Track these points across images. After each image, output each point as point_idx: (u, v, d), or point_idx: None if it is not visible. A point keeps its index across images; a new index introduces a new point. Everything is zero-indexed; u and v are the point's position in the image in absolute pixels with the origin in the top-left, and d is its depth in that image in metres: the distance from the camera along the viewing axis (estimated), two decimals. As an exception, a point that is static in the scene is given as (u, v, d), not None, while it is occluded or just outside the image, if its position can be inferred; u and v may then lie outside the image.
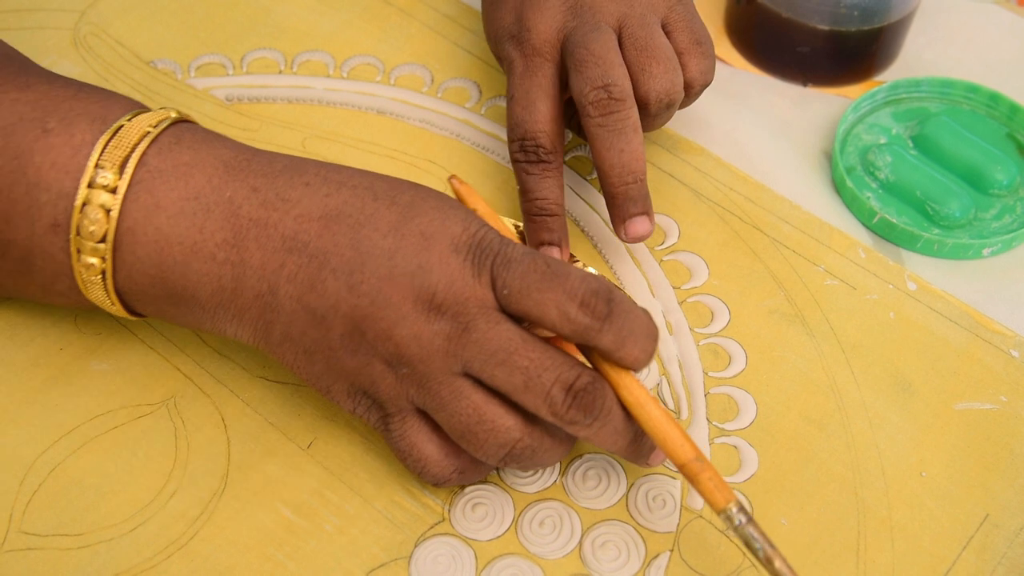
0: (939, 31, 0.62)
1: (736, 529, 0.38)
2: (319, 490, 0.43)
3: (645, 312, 0.40)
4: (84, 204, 0.40)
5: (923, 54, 0.61)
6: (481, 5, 0.54)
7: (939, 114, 0.57)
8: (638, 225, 0.48)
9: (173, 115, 0.42)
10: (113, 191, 0.40)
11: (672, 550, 0.42)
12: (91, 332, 0.47)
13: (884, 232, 0.53)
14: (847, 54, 0.58)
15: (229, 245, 0.40)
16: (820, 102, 0.59)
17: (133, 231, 0.40)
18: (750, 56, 0.60)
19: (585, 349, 0.40)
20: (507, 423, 0.39)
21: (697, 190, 0.54)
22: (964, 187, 0.54)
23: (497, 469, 0.44)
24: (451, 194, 0.44)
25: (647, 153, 0.55)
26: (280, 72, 0.58)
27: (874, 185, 0.54)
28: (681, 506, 0.44)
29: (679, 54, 0.49)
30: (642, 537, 0.43)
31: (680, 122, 0.57)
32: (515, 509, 0.43)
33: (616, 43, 0.48)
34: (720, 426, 0.46)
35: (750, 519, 0.38)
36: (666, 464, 0.45)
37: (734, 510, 0.38)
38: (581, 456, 0.45)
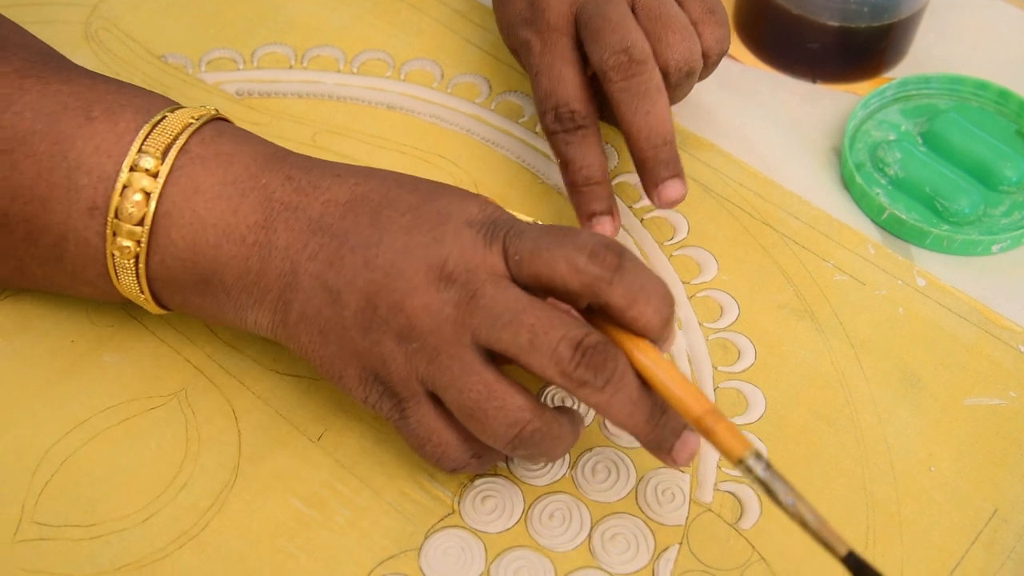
0: (949, 28, 0.62)
1: (758, 480, 0.36)
2: (330, 482, 0.44)
3: (660, 278, 0.39)
4: (125, 187, 0.40)
5: (933, 51, 0.61)
6: None
7: (948, 111, 0.57)
8: (671, 189, 0.47)
9: (213, 111, 0.43)
10: (155, 175, 0.40)
11: (681, 543, 0.43)
12: (103, 325, 0.47)
13: (893, 228, 0.53)
14: (856, 51, 0.58)
15: (260, 227, 0.41)
16: (829, 99, 0.59)
17: (171, 214, 0.41)
18: (760, 53, 0.60)
19: (597, 322, 0.40)
20: (517, 402, 0.38)
21: (707, 185, 0.54)
22: (973, 183, 0.54)
23: (507, 461, 0.44)
24: None
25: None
26: (290, 67, 0.58)
27: (883, 181, 0.54)
28: (690, 499, 0.44)
29: (694, 23, 0.49)
30: (651, 530, 0.43)
31: (690, 118, 0.57)
32: (524, 502, 0.43)
33: (631, 11, 0.48)
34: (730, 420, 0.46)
35: (770, 466, 0.37)
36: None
37: (751, 460, 0.36)
38: (591, 449, 0.45)
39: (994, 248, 0.52)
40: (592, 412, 0.46)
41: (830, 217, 0.53)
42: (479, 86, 0.58)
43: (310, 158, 0.43)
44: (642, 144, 0.47)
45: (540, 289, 0.39)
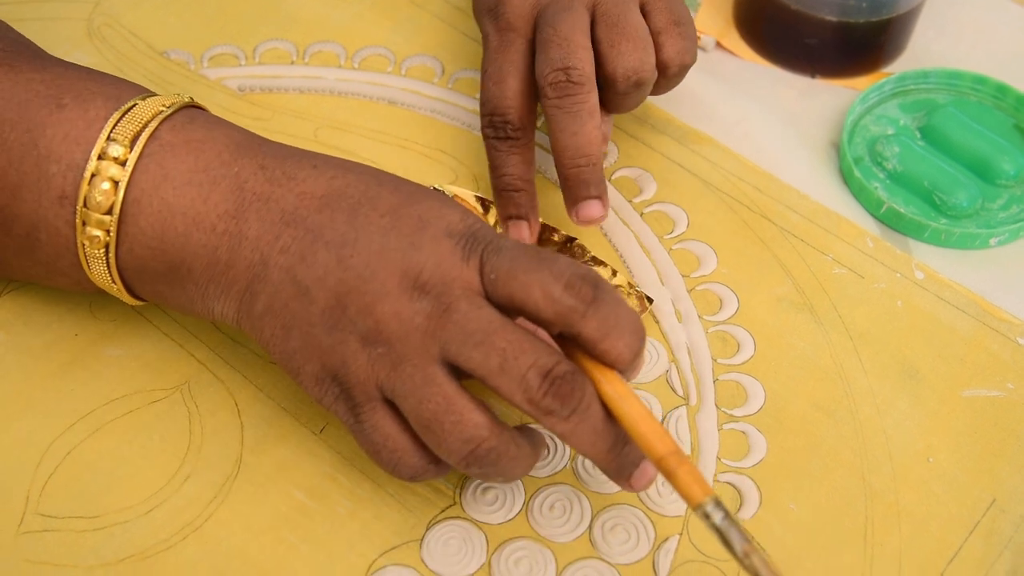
0: (947, 23, 0.62)
1: (715, 527, 0.36)
2: (332, 474, 0.44)
3: (634, 312, 0.39)
4: (93, 175, 0.40)
5: (931, 46, 0.61)
6: None
7: (946, 105, 0.57)
8: (590, 209, 0.48)
9: (186, 99, 0.43)
10: (123, 164, 0.40)
11: (681, 534, 0.43)
12: (106, 319, 0.48)
13: (892, 222, 0.53)
14: (855, 46, 0.59)
15: (230, 216, 0.40)
16: (828, 93, 0.59)
17: (139, 202, 0.40)
18: (759, 48, 0.61)
19: (567, 347, 0.40)
20: (475, 419, 0.38)
21: (706, 180, 0.54)
22: (971, 177, 0.54)
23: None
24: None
25: (658, 144, 0.56)
26: (292, 63, 0.58)
27: (882, 175, 0.55)
28: (690, 491, 0.44)
29: (657, 33, 0.49)
30: (651, 521, 0.43)
31: (689, 112, 0.57)
32: (525, 493, 0.44)
33: (587, 24, 0.48)
34: (729, 412, 0.46)
35: (728, 515, 0.36)
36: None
37: (710, 506, 0.36)
38: (591, 441, 0.45)
39: (992, 241, 0.52)
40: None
41: (829, 211, 0.53)
42: (479, 81, 0.58)
43: (284, 146, 0.43)
44: (565, 162, 0.47)
45: (512, 310, 0.39)
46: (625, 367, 0.39)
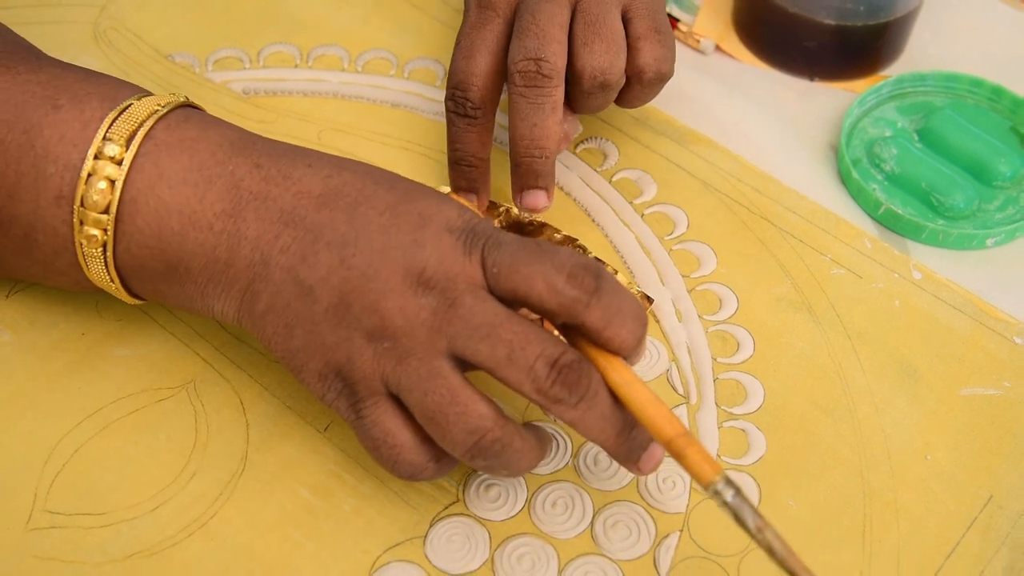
0: (944, 26, 0.63)
1: (726, 504, 0.37)
2: (336, 472, 0.44)
3: (635, 298, 0.40)
4: (90, 175, 0.40)
5: (928, 49, 0.62)
6: None
7: (944, 108, 0.57)
8: (535, 198, 0.50)
9: (182, 99, 0.43)
10: (119, 163, 0.40)
11: (682, 530, 0.43)
12: (112, 318, 0.48)
13: (890, 223, 0.54)
14: (853, 49, 0.59)
15: (227, 215, 0.41)
16: (826, 96, 0.60)
17: (135, 201, 0.41)
18: (757, 51, 0.61)
19: (570, 335, 0.40)
20: (480, 409, 0.38)
21: (706, 181, 0.55)
22: (968, 179, 0.55)
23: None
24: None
25: (658, 146, 0.56)
26: (296, 66, 0.59)
27: (880, 177, 0.55)
28: (690, 487, 0.44)
29: (636, 39, 0.50)
30: (652, 518, 0.44)
31: (689, 114, 0.58)
32: (528, 490, 0.44)
33: (566, 19, 0.49)
34: (729, 410, 0.47)
35: (738, 492, 0.37)
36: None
37: (721, 484, 0.37)
38: (592, 439, 0.46)
39: (988, 242, 0.53)
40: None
41: (827, 212, 0.54)
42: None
43: (279, 144, 0.43)
44: (520, 151, 0.49)
45: (515, 302, 0.39)
46: (629, 353, 0.39)
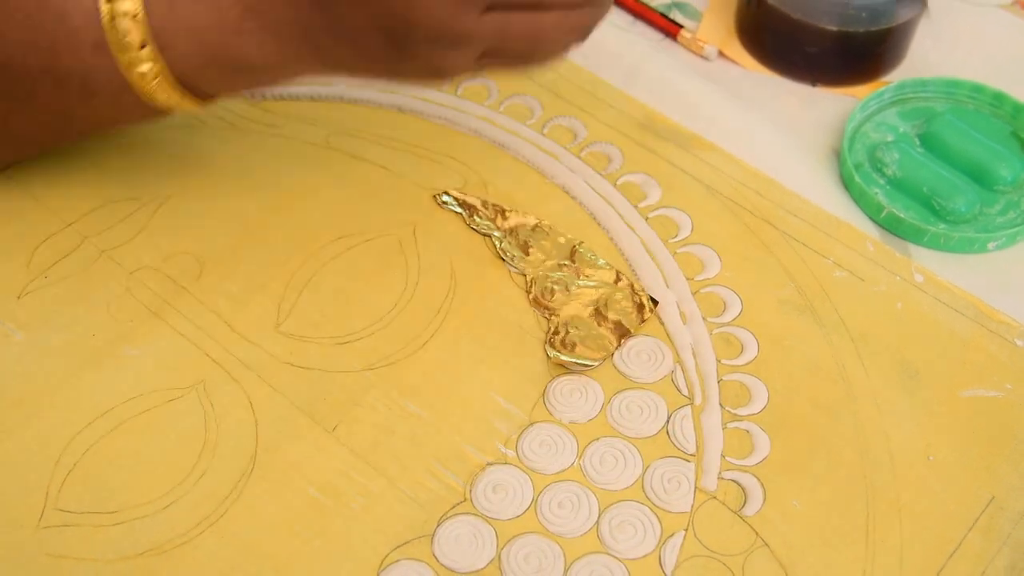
0: (945, 33, 0.63)
1: None
2: (345, 471, 0.45)
3: None
4: (112, 19, 0.42)
5: (929, 55, 0.62)
6: None
7: (945, 113, 0.58)
8: None
9: None
10: None
11: (687, 529, 0.44)
12: (123, 319, 0.49)
13: (891, 226, 0.54)
14: (855, 54, 0.60)
15: (249, 12, 0.42)
16: (829, 101, 0.60)
17: (165, 29, 0.42)
18: (761, 57, 0.62)
19: None
20: None
21: (710, 185, 0.55)
22: (970, 183, 0.55)
23: (518, 453, 0.45)
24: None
25: (662, 150, 0.57)
26: (303, 70, 0.59)
27: (882, 181, 0.56)
28: (695, 487, 0.45)
29: None
30: (658, 517, 0.44)
31: (692, 119, 0.58)
32: (534, 490, 0.45)
33: None
34: (733, 411, 0.47)
35: None
36: (679, 447, 0.46)
37: None
38: (598, 439, 0.46)
39: (990, 245, 0.53)
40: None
41: (830, 215, 0.54)
42: (487, 89, 0.59)
43: None
44: None
45: None
46: None
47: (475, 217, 0.53)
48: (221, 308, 0.49)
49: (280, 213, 0.53)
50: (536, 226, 0.52)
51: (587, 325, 0.49)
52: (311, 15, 0.42)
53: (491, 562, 0.43)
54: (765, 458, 0.46)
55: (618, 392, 0.48)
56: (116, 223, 0.52)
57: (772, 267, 0.52)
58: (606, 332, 0.49)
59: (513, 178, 0.55)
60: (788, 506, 0.45)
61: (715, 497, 0.45)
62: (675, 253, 0.53)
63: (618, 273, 0.51)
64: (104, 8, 0.42)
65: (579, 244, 0.52)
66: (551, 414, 0.47)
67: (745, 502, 0.45)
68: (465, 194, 0.54)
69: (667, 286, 0.52)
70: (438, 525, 0.44)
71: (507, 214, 0.53)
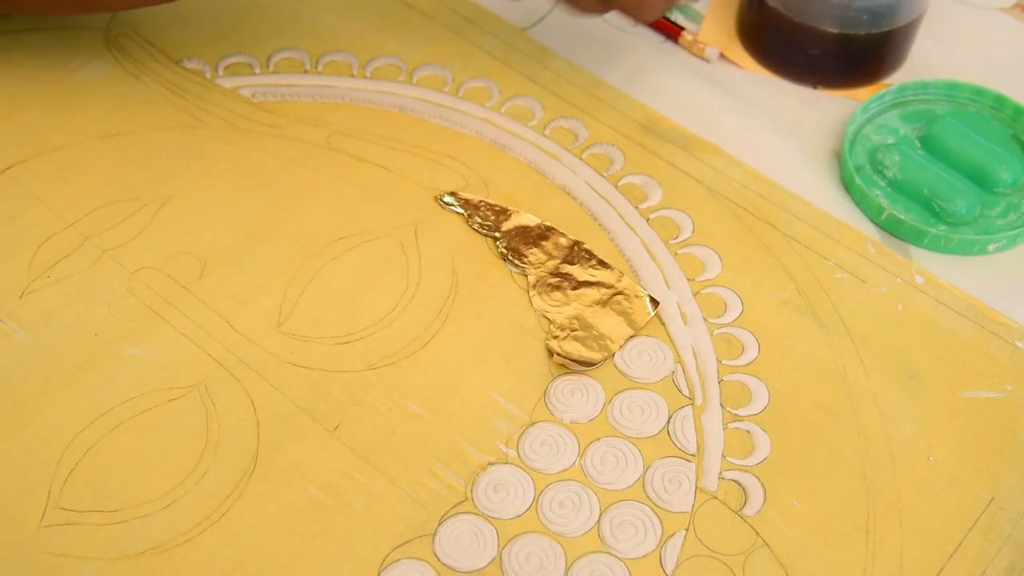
0: (946, 35, 0.64)
1: None
2: (346, 471, 0.45)
3: None
4: None
5: (930, 58, 0.62)
6: None
7: (945, 115, 0.58)
8: None
9: None
10: None
11: (687, 529, 0.44)
12: (124, 319, 0.49)
13: (892, 228, 0.54)
14: (856, 57, 0.60)
15: None
16: (830, 103, 0.60)
17: None
18: (762, 59, 0.62)
19: None
20: None
21: (711, 187, 0.56)
22: (970, 186, 0.55)
23: (519, 452, 0.45)
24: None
25: (664, 152, 0.57)
26: (305, 71, 0.59)
27: (882, 183, 0.56)
28: (696, 487, 0.45)
29: None
30: (658, 517, 0.44)
31: (694, 121, 0.58)
32: (535, 490, 0.45)
33: None
34: (734, 412, 0.47)
35: None
36: (680, 447, 0.46)
37: None
38: (600, 439, 0.46)
39: (990, 247, 0.54)
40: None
41: (831, 217, 0.55)
42: (489, 89, 0.59)
43: None
44: None
45: None
46: None
47: (476, 218, 0.53)
48: (222, 308, 0.49)
49: (281, 213, 0.53)
50: (537, 227, 0.53)
51: (588, 325, 0.49)
52: None
53: (492, 561, 0.43)
54: (765, 458, 0.46)
55: (619, 392, 0.48)
56: (118, 223, 0.52)
57: (773, 268, 0.52)
58: (607, 332, 0.49)
59: (514, 179, 0.55)
60: (788, 506, 0.45)
61: (716, 497, 0.45)
62: (676, 254, 0.53)
63: (619, 273, 0.51)
64: None
65: (580, 245, 0.52)
66: (552, 414, 0.47)
67: (745, 502, 0.45)
68: (466, 195, 0.54)
69: (668, 287, 0.52)
70: (439, 524, 0.44)
71: (508, 215, 0.53)
